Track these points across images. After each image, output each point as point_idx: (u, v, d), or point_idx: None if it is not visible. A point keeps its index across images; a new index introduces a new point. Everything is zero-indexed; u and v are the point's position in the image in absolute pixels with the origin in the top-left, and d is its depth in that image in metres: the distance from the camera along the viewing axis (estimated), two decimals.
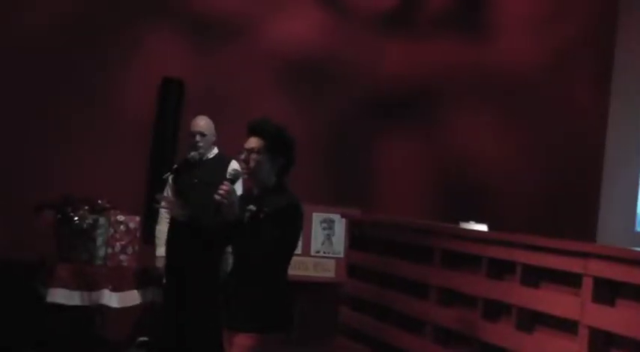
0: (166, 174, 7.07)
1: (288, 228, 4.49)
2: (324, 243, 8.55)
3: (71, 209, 7.29)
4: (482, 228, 6.71)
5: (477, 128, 9.28)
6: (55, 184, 7.69)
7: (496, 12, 9.44)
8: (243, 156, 4.59)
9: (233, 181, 4.61)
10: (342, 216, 7.93)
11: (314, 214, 8.53)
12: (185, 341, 6.79)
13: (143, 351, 7.36)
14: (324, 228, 8.55)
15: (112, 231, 7.40)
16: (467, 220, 6.81)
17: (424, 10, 9.27)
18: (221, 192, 4.40)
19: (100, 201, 7.42)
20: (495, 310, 5.29)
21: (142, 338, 7.45)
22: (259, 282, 4.47)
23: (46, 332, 7.37)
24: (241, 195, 4.80)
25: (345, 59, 8.93)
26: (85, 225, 7.30)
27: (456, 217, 7.09)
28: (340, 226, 8.43)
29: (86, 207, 7.31)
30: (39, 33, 8.15)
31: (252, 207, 4.52)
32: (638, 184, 9.08)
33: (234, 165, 6.65)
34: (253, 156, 4.54)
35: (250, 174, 4.58)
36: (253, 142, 4.57)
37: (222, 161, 6.88)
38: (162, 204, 6.94)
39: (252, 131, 4.61)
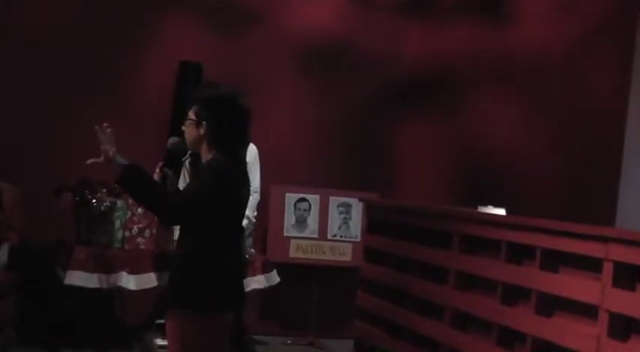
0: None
1: (200, 192, 4.13)
2: (340, 227, 8.55)
3: (89, 192, 7.31)
4: (500, 212, 6.69)
5: (496, 113, 9.24)
6: (73, 167, 7.68)
7: None
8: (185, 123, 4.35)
9: (173, 153, 4.50)
10: (360, 200, 7.93)
11: (330, 198, 8.53)
12: None
13: (160, 334, 7.36)
14: (340, 212, 8.55)
15: (129, 213, 7.42)
16: (485, 204, 6.79)
17: None
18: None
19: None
20: (515, 295, 5.27)
21: (159, 321, 7.45)
22: (188, 255, 4.19)
23: (64, 315, 7.40)
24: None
25: (365, 45, 8.89)
26: (102, 208, 7.32)
27: (474, 202, 7.07)
28: (357, 210, 8.43)
29: (104, 190, 7.33)
30: (57, 19, 8.17)
31: (165, 170, 4.43)
32: None
33: (251, 148, 6.62)
34: (186, 122, 4.32)
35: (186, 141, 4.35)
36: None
37: None
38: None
39: (192, 96, 4.38)
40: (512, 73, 9.27)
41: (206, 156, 4.29)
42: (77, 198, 7.31)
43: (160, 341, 7.14)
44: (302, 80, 8.77)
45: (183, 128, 4.34)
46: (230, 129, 4.23)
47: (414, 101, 9.08)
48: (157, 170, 4.49)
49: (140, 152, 8.09)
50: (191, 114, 4.28)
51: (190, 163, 6.98)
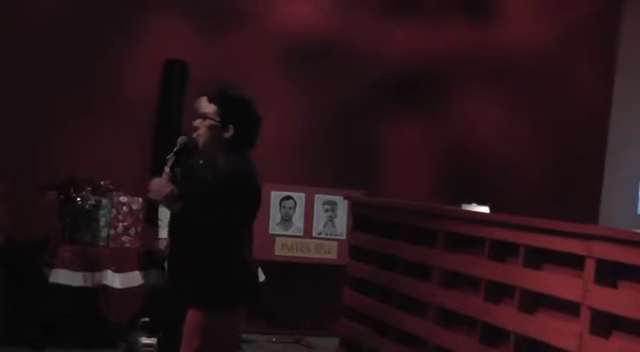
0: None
1: (226, 199, 4.23)
2: (326, 225, 8.56)
3: (74, 190, 7.31)
4: (484, 210, 6.72)
5: (480, 111, 9.27)
6: (59, 165, 7.70)
7: None
8: (196, 122, 4.39)
9: (181, 152, 4.52)
10: (345, 197, 7.94)
11: (316, 196, 8.54)
12: None
13: (146, 332, 7.37)
14: (326, 210, 8.56)
15: (114, 212, 7.41)
16: (470, 202, 6.82)
17: None
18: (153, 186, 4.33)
19: (102, 183, 7.43)
20: (498, 292, 5.30)
21: (144, 319, 7.47)
22: (203, 255, 4.27)
23: (49, 313, 7.39)
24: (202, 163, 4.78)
25: (352, 43, 8.90)
26: (87, 206, 7.31)
27: (459, 200, 7.10)
28: (342, 208, 8.44)
29: (89, 189, 7.33)
30: (43, 17, 8.15)
31: (174, 169, 4.46)
32: None
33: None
34: (204, 122, 4.35)
35: (200, 141, 4.38)
36: (206, 107, 4.39)
37: None
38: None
39: (209, 97, 4.45)
40: (497, 71, 9.30)
41: (224, 156, 4.36)
42: (62, 197, 7.31)
43: (144, 340, 7.14)
44: (288, 79, 8.77)
45: (196, 124, 4.38)
46: (254, 132, 4.41)
47: (400, 99, 9.09)
48: (167, 170, 4.52)
49: (126, 148, 8.16)
50: (213, 115, 4.33)
51: (174, 164, 6.99)
